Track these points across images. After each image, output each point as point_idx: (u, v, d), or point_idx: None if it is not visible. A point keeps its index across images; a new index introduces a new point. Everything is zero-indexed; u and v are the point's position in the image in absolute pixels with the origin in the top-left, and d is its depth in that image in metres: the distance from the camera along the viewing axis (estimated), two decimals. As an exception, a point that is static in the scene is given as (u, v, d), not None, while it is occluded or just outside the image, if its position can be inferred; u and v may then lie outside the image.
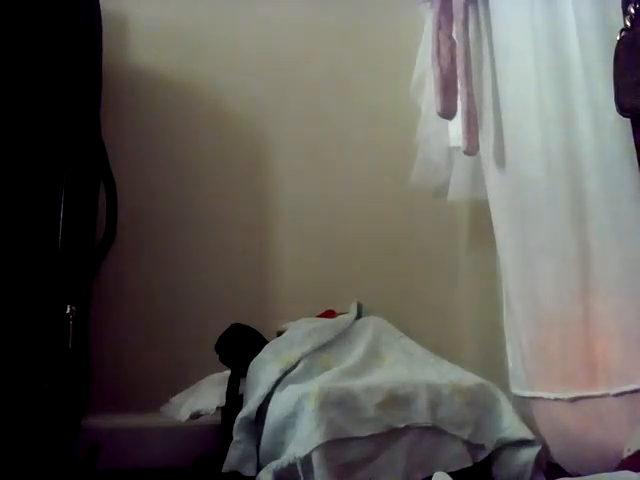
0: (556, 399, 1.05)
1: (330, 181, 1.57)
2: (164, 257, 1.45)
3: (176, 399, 1.20)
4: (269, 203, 1.54)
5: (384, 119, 1.61)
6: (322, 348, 1.16)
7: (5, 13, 1.06)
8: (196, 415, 1.14)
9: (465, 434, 1.02)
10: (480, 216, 1.42)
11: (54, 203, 1.03)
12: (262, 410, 1.05)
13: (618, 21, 0.89)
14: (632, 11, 0.87)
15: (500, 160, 1.16)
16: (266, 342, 1.20)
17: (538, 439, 1.05)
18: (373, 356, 1.17)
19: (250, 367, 1.14)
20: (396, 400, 1.01)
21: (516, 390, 1.16)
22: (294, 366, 1.10)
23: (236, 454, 1.03)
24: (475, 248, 1.54)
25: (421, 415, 1.01)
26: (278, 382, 1.07)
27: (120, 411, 1.29)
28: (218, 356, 1.20)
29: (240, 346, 1.20)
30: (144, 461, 1.23)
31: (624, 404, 0.95)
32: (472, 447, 1.03)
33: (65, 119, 1.07)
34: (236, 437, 1.04)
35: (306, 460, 0.93)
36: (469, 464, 1.02)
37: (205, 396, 1.17)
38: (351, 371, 1.10)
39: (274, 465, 0.96)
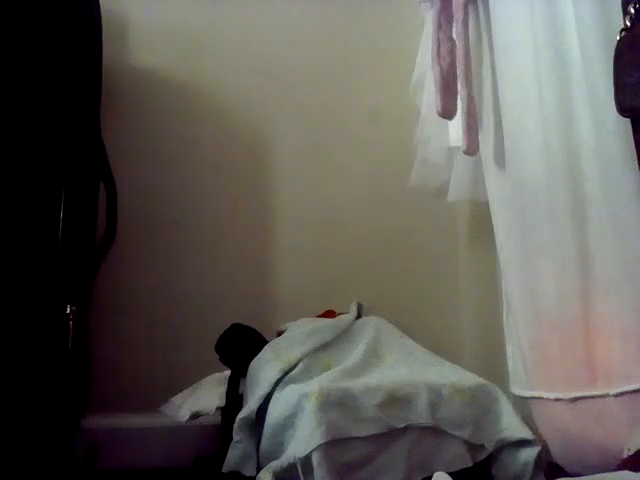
0: (556, 399, 1.05)
1: (330, 181, 1.58)
2: (164, 257, 1.45)
3: (176, 399, 1.19)
4: (269, 203, 1.54)
5: (384, 119, 1.61)
6: (322, 348, 1.16)
7: (5, 14, 1.06)
8: (196, 415, 1.14)
9: (465, 434, 1.02)
10: (480, 216, 1.42)
11: (54, 203, 1.03)
12: (262, 410, 1.05)
13: (618, 21, 0.89)
14: (632, 11, 0.87)
15: (500, 160, 1.16)
16: (266, 342, 1.20)
17: (538, 439, 1.05)
18: (373, 356, 1.17)
19: (250, 367, 1.14)
20: (396, 400, 1.01)
21: (516, 390, 1.16)
22: (294, 366, 1.09)
23: (236, 454, 1.03)
24: (475, 248, 1.54)
25: (421, 415, 1.01)
26: (278, 382, 1.07)
27: (120, 411, 1.29)
28: (218, 356, 1.20)
29: (240, 346, 1.20)
30: (144, 461, 1.23)
31: (624, 404, 0.95)
32: (472, 447, 1.03)
33: (65, 119, 1.07)
34: (236, 437, 1.04)
35: (306, 460, 0.93)
36: (469, 464, 1.02)
37: (205, 396, 1.17)
38: (351, 371, 1.10)
39: (274, 465, 0.96)
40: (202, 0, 1.56)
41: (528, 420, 1.08)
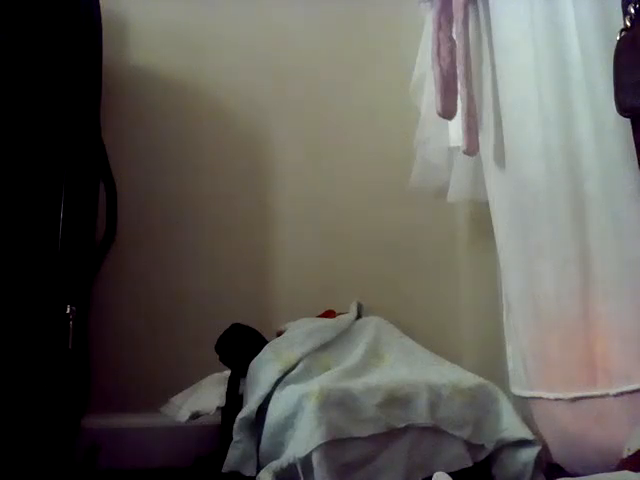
0: (556, 399, 1.05)
1: (330, 181, 1.57)
2: (164, 257, 1.45)
3: (176, 399, 1.19)
4: (269, 203, 1.54)
5: (385, 119, 1.61)
6: (322, 348, 1.16)
7: (5, 14, 1.06)
8: (196, 415, 1.14)
9: (465, 434, 1.02)
10: (480, 216, 1.42)
11: (54, 203, 1.03)
12: (262, 410, 1.05)
13: (618, 21, 0.89)
14: (632, 11, 0.87)
15: (500, 160, 1.16)
16: (266, 342, 1.20)
17: (538, 439, 1.05)
18: (373, 356, 1.17)
19: (250, 367, 1.14)
20: (396, 400, 1.01)
21: (516, 390, 1.16)
22: (294, 366, 1.10)
23: (236, 454, 1.03)
24: (475, 248, 1.54)
25: (421, 415, 1.01)
26: (278, 382, 1.07)
27: (120, 411, 1.29)
28: (218, 356, 1.20)
29: (240, 346, 1.20)
30: (144, 461, 1.23)
31: (624, 404, 0.95)
32: (472, 447, 1.03)
33: (65, 119, 1.07)
34: (236, 437, 1.04)
35: (306, 460, 0.93)
36: (469, 464, 1.02)
37: (205, 396, 1.17)
38: (351, 371, 1.10)
39: (274, 465, 0.96)
40: (202, 0, 1.56)
41: (528, 420, 1.08)
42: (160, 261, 1.44)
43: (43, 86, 1.07)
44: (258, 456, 1.03)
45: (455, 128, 1.34)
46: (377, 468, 0.97)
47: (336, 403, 0.98)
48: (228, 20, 1.56)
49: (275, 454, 0.99)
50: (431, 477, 0.81)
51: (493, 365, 1.30)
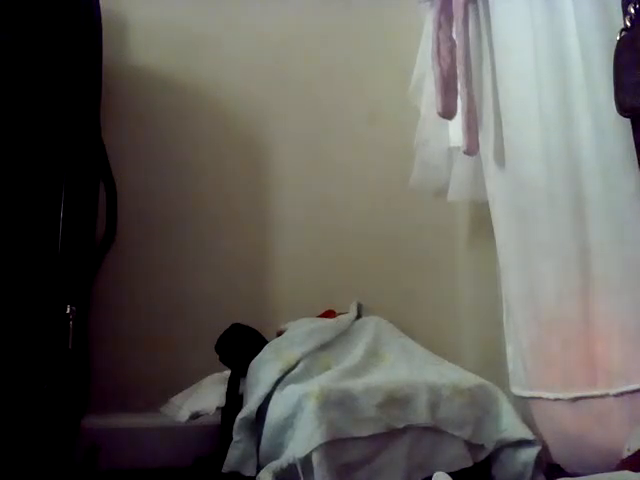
0: (556, 399, 1.05)
1: (330, 181, 1.57)
2: (164, 257, 1.45)
3: (176, 399, 1.19)
4: (269, 203, 1.54)
5: (384, 119, 1.61)
6: (322, 348, 1.16)
7: (5, 14, 1.06)
8: (196, 415, 1.14)
9: (465, 434, 1.03)
10: (480, 216, 1.42)
11: (54, 203, 1.03)
12: (262, 410, 1.05)
13: (618, 21, 0.89)
14: (632, 11, 0.87)
15: (500, 160, 1.16)
16: (266, 342, 1.20)
17: (538, 439, 1.05)
18: (373, 356, 1.17)
19: (250, 367, 1.14)
20: (396, 400, 1.01)
21: (516, 390, 1.16)
22: (294, 366, 1.10)
23: (236, 454, 1.03)
24: (475, 248, 1.54)
25: (421, 415, 1.01)
26: (278, 382, 1.07)
27: (120, 411, 1.29)
28: (218, 356, 1.20)
29: (240, 346, 1.20)
30: (144, 461, 1.22)
31: (624, 404, 0.95)
32: (472, 447, 1.03)
33: (65, 120, 1.07)
34: (236, 437, 1.04)
35: (306, 460, 0.93)
36: (469, 464, 1.02)
37: (205, 396, 1.17)
38: (351, 371, 1.10)
39: (274, 465, 0.96)
40: (202, 1, 1.56)
41: (528, 420, 1.08)
42: (160, 261, 1.44)
43: (43, 86, 1.07)
44: (258, 456, 1.03)
45: (455, 128, 1.34)
46: (377, 468, 0.97)
47: (336, 403, 0.98)
48: (228, 21, 1.56)
49: (275, 454, 0.99)
50: (431, 477, 0.81)
51: (493, 365, 1.30)
